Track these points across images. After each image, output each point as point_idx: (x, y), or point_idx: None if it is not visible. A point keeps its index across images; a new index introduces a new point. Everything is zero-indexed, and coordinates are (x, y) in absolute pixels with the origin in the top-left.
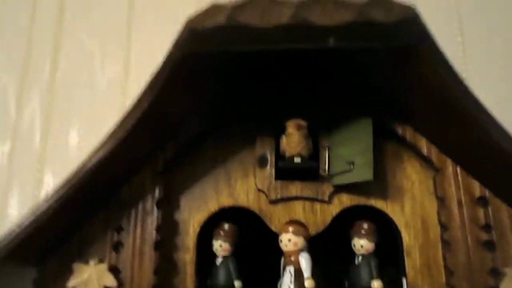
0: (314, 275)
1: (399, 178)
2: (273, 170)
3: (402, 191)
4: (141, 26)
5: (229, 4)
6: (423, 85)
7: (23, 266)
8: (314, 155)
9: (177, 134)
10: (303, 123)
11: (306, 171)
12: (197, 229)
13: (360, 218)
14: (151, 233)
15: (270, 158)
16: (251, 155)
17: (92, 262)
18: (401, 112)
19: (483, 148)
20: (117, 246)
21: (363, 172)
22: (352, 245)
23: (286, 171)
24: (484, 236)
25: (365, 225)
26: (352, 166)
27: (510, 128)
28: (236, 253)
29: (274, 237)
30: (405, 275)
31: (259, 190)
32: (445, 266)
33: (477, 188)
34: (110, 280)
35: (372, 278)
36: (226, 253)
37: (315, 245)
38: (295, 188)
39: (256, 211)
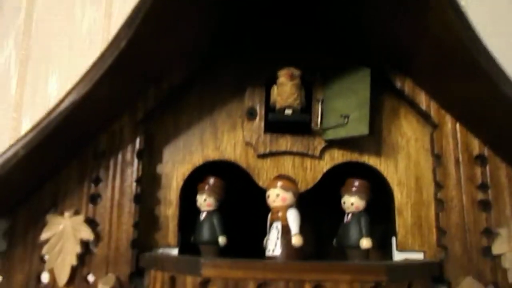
0: (302, 232)
1: (394, 135)
2: (262, 123)
3: (396, 148)
4: None
5: None
6: (427, 32)
7: None
8: (306, 109)
9: (159, 80)
10: (296, 72)
11: (297, 124)
12: (181, 183)
13: (352, 176)
14: (131, 185)
15: (260, 109)
16: (239, 106)
17: (67, 214)
18: (401, 63)
19: (490, 102)
20: (95, 198)
21: (358, 126)
22: (342, 203)
23: (276, 124)
24: (480, 196)
25: (357, 182)
26: (346, 120)
27: None
28: (222, 209)
29: (261, 193)
30: (395, 234)
31: (247, 143)
32: (437, 226)
33: (476, 146)
34: (87, 232)
35: (361, 236)
36: (210, 208)
37: (305, 203)
38: (285, 142)
39: (243, 165)
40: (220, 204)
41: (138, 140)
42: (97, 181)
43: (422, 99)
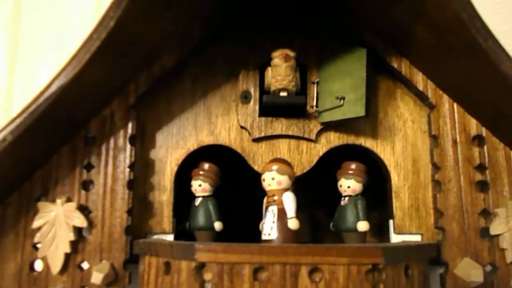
0: (298, 216)
1: (391, 117)
2: (257, 106)
3: (393, 130)
4: None
5: None
6: (425, 11)
7: None
8: (301, 91)
9: (151, 64)
10: (291, 53)
11: (292, 107)
12: (175, 169)
13: (349, 159)
14: (124, 171)
15: (254, 93)
16: (233, 89)
17: (59, 201)
18: (397, 43)
19: (488, 81)
20: (87, 185)
21: (354, 108)
22: (339, 186)
23: (270, 107)
24: (477, 177)
25: (353, 165)
26: (342, 102)
27: None
28: (217, 194)
29: (256, 177)
30: (392, 217)
31: (241, 127)
32: (435, 208)
33: (473, 126)
34: (80, 219)
35: (358, 219)
36: (205, 194)
37: (300, 186)
38: (280, 126)
39: (238, 149)
40: (215, 189)
41: (130, 125)
42: (89, 167)
43: (419, 80)
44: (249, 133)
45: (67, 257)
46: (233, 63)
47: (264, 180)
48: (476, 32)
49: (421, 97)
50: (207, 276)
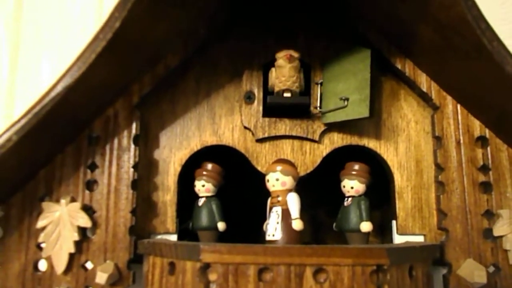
0: (301, 217)
1: (395, 117)
2: (261, 107)
3: (397, 131)
4: None
5: None
6: (430, 12)
7: None
8: (305, 92)
9: (155, 64)
10: (295, 54)
11: (296, 107)
12: (178, 169)
13: (352, 160)
14: (128, 171)
15: (258, 93)
16: (237, 90)
17: (63, 201)
18: (402, 44)
19: (492, 83)
20: (91, 185)
21: (358, 109)
22: (342, 187)
23: (274, 108)
24: (481, 177)
25: (356, 166)
26: (346, 103)
27: None
28: (220, 195)
29: (260, 178)
30: (395, 218)
31: (245, 127)
32: (438, 209)
33: (477, 127)
34: (84, 219)
35: (361, 220)
36: (208, 194)
37: (303, 187)
38: (283, 126)
39: (242, 150)
40: (219, 190)
41: (134, 125)
42: (93, 167)
43: (423, 81)
44: (253, 134)
45: (71, 257)
46: (237, 63)
47: (268, 181)
48: (481, 34)
49: (424, 98)
50: (212, 276)
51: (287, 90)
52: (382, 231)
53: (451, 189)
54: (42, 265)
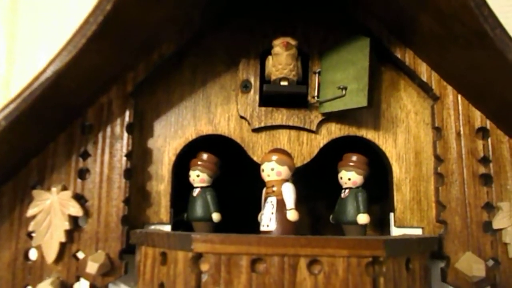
0: (297, 208)
1: (394, 108)
2: (257, 96)
3: (396, 122)
4: None
5: None
6: None
7: None
8: (302, 81)
9: (149, 51)
10: (292, 41)
11: (293, 97)
12: (173, 158)
13: (350, 151)
14: (121, 160)
15: (254, 82)
16: (233, 78)
17: (54, 189)
18: (401, 32)
19: (494, 72)
20: (83, 173)
21: (356, 98)
22: (339, 178)
23: (271, 97)
24: (481, 169)
25: (354, 157)
26: (344, 92)
27: None
28: (215, 185)
29: (256, 168)
30: (393, 210)
31: (241, 117)
32: (437, 201)
33: (478, 118)
34: (75, 208)
35: (358, 212)
36: (203, 184)
37: (300, 178)
38: (280, 116)
39: (238, 140)
40: (214, 180)
41: (127, 114)
42: (85, 155)
43: (423, 70)
44: (249, 123)
45: (62, 246)
46: (233, 51)
47: (263, 170)
48: (484, 21)
49: (425, 88)
50: (204, 267)
51: (284, 78)
52: (381, 224)
53: (450, 181)
54: (33, 254)
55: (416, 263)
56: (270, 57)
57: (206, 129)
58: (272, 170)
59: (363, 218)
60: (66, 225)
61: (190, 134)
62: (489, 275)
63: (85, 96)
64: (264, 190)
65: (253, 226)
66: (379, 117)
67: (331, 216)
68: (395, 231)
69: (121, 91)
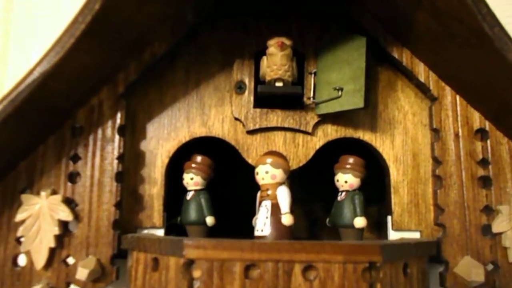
0: (293, 211)
1: (391, 109)
2: (252, 97)
3: (393, 123)
4: None
5: None
6: None
7: None
8: (298, 82)
9: (141, 51)
10: (287, 41)
11: (288, 98)
12: (166, 161)
13: (347, 153)
14: (112, 163)
15: (249, 83)
16: (227, 79)
17: (43, 193)
18: (399, 32)
19: (493, 72)
20: (73, 177)
21: (353, 100)
22: (336, 181)
23: (266, 98)
24: (480, 172)
25: (351, 159)
26: (340, 93)
27: None
28: (209, 188)
29: (250, 171)
30: (390, 213)
31: (235, 119)
32: (435, 204)
33: (476, 119)
34: (65, 213)
35: (355, 215)
36: (197, 187)
37: (297, 180)
38: (275, 117)
39: (232, 142)
40: (208, 183)
41: (119, 115)
42: (75, 158)
43: (421, 71)
44: (243, 125)
45: (52, 251)
46: (227, 51)
47: (257, 173)
48: (482, 19)
49: (422, 89)
50: (196, 273)
51: (279, 79)
52: (379, 227)
53: (448, 184)
54: (22, 260)
55: (413, 267)
56: (264, 58)
57: (199, 131)
58: (267, 173)
59: (359, 222)
60: (56, 230)
61: (183, 136)
62: (488, 279)
63: (75, 97)
64: (258, 194)
65: (248, 230)
66: (376, 118)
67: (327, 219)
68: (393, 235)
69: (112, 92)
